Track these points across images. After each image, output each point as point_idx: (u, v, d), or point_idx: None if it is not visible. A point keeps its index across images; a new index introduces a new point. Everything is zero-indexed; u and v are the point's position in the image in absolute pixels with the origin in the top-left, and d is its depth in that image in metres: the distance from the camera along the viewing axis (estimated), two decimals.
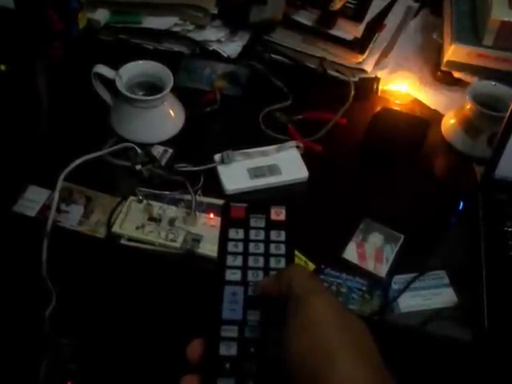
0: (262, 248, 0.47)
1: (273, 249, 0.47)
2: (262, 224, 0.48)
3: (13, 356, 0.92)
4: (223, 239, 0.48)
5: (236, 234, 0.48)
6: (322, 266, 0.78)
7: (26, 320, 0.88)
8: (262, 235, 0.48)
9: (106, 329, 0.91)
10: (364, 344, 0.39)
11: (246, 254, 0.47)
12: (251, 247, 0.47)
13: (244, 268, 0.46)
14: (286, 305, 0.40)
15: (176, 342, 0.52)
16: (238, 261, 0.46)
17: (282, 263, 0.46)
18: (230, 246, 0.47)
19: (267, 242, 0.47)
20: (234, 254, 0.47)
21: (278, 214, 0.49)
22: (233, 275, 0.45)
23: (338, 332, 0.38)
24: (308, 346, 0.38)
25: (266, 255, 0.47)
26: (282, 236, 0.48)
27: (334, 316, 0.39)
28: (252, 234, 0.48)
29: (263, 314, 0.43)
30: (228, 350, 0.42)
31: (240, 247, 0.47)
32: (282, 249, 0.47)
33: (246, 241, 0.47)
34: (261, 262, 0.46)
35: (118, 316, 0.89)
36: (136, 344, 0.91)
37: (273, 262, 0.46)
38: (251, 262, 0.46)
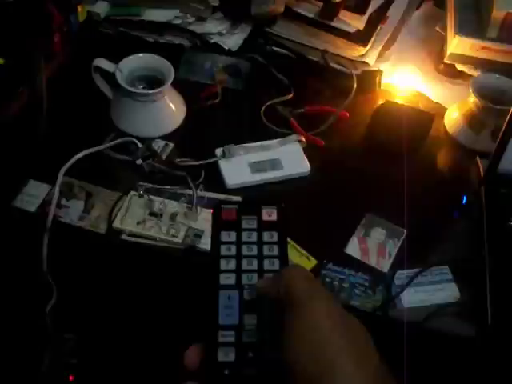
0: (255, 250, 0.46)
1: (266, 250, 0.46)
2: (254, 225, 0.48)
3: (14, 351, 0.92)
4: (215, 242, 0.47)
5: (228, 236, 0.47)
6: (325, 262, 0.77)
7: (27, 315, 0.88)
8: (254, 237, 0.47)
9: (107, 324, 0.91)
10: (364, 347, 0.39)
11: (239, 257, 0.46)
12: (244, 250, 0.46)
13: (238, 271, 0.45)
14: (285, 307, 0.40)
15: (178, 339, 0.51)
16: (232, 264, 0.45)
17: (276, 265, 0.46)
18: (223, 250, 0.46)
19: (260, 243, 0.47)
20: (227, 257, 0.46)
21: (270, 214, 0.48)
22: (227, 279, 0.45)
23: (337, 336, 0.38)
24: (308, 351, 0.37)
25: (260, 257, 0.46)
26: (275, 237, 0.47)
27: (333, 320, 0.39)
28: (244, 236, 0.47)
29: (260, 317, 0.43)
30: (226, 355, 0.41)
31: (233, 250, 0.46)
32: (276, 250, 0.46)
33: (239, 243, 0.47)
34: (255, 264, 0.46)
35: (119, 311, 0.88)
36: (137, 339, 0.91)
37: (267, 264, 0.46)
38: (245, 264, 0.46)
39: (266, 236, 0.47)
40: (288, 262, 0.46)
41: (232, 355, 0.41)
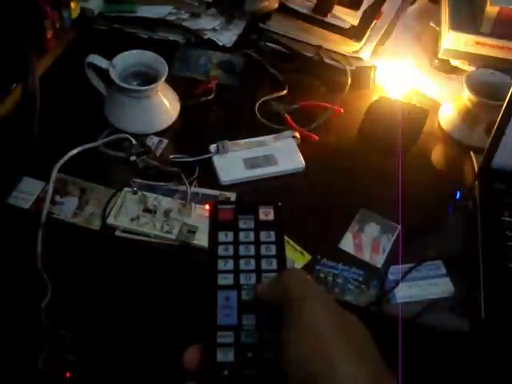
0: (252, 250, 0.46)
1: (263, 250, 0.46)
2: (251, 225, 0.47)
3: (11, 348, 0.92)
4: (213, 243, 0.47)
5: (225, 236, 0.47)
6: (318, 257, 0.78)
7: (23, 312, 0.88)
8: (251, 237, 0.47)
9: (102, 320, 0.91)
10: (363, 345, 0.39)
11: (236, 257, 0.46)
12: (242, 250, 0.46)
13: (236, 272, 0.45)
14: (283, 309, 0.40)
15: (176, 339, 0.51)
16: (229, 264, 0.45)
17: (274, 264, 0.45)
18: (220, 250, 0.46)
19: (257, 243, 0.47)
20: (225, 257, 0.46)
21: (267, 213, 0.48)
22: (225, 280, 0.45)
23: (336, 334, 0.38)
24: (307, 350, 0.37)
25: (257, 257, 0.46)
26: (272, 236, 0.47)
27: (332, 320, 0.39)
28: (242, 236, 0.47)
29: (259, 318, 0.43)
30: (225, 356, 0.41)
31: (230, 250, 0.46)
32: (273, 250, 0.46)
33: (236, 243, 0.46)
34: (252, 264, 0.45)
35: (115, 307, 0.88)
36: (133, 335, 0.91)
37: (264, 264, 0.45)
38: (242, 265, 0.45)
39: (263, 236, 0.47)
40: (286, 261, 0.46)
41: (231, 355, 0.41)
